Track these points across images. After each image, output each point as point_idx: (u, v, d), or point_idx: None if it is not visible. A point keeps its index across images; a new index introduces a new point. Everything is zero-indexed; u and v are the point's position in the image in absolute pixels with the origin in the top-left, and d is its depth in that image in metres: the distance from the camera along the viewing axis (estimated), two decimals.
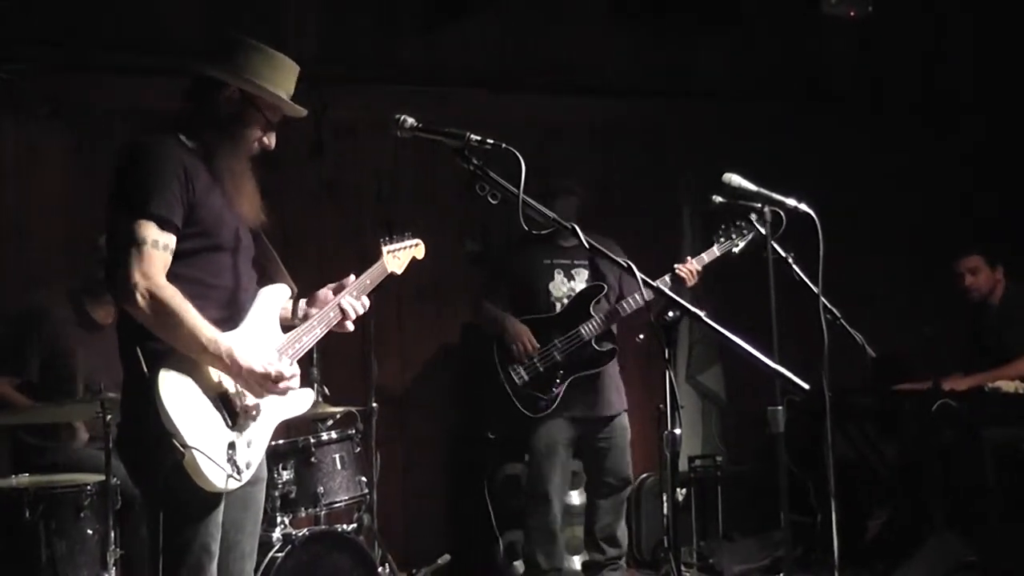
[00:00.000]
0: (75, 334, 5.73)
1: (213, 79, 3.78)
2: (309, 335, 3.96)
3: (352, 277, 4.12)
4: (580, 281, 6.35)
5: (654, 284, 3.52)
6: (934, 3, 8.44)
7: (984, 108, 8.73)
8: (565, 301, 6.31)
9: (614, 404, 6.35)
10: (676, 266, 6.02)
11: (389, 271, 4.40)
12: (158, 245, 3.51)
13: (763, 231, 5.87)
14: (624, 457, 6.38)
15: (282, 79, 3.83)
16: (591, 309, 6.24)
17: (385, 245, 4.42)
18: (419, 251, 4.60)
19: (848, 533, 6.28)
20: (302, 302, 4.05)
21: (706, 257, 6.10)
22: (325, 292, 4.10)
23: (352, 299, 4.07)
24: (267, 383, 3.62)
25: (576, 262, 6.40)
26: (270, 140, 3.89)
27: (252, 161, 3.87)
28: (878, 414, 7.07)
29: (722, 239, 6.10)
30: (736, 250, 6.08)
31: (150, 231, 3.51)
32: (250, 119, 3.81)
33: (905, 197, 8.70)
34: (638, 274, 3.43)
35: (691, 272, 6.02)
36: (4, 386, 5.65)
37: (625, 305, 6.16)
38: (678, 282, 5.96)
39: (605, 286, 6.31)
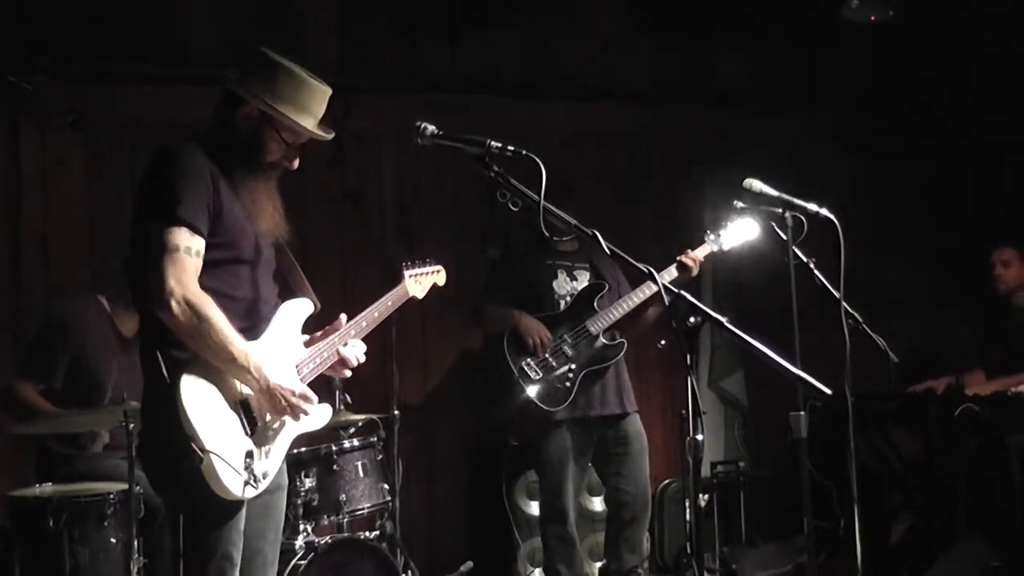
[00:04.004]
0: (101, 343, 5.74)
1: (234, 95, 3.79)
2: (329, 351, 3.99)
3: (343, 317, 4.09)
4: (582, 281, 6.35)
5: (676, 291, 3.53)
6: (953, 9, 8.41)
7: (1004, 111, 8.70)
8: (568, 299, 6.30)
9: (622, 403, 6.29)
10: (680, 258, 6.05)
11: (410, 295, 4.42)
12: (191, 252, 3.53)
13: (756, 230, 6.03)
14: (641, 464, 6.30)
15: (307, 102, 3.80)
16: (595, 304, 6.24)
17: (407, 269, 4.44)
18: (440, 277, 4.62)
19: (871, 539, 6.25)
20: (304, 338, 4.04)
21: (701, 251, 6.16)
22: (323, 335, 4.08)
23: (353, 343, 4.07)
24: (290, 402, 3.65)
25: (577, 264, 6.41)
26: (292, 162, 3.88)
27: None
28: (901, 419, 7.04)
29: (711, 236, 6.21)
30: (727, 247, 6.20)
31: (182, 237, 3.52)
32: (268, 139, 3.80)
33: (924, 201, 8.68)
34: (659, 280, 3.43)
35: (696, 260, 6.09)
36: (28, 390, 5.67)
37: (637, 296, 6.16)
38: (684, 270, 6.03)
39: (607, 284, 6.32)
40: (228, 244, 3.68)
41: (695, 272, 6.10)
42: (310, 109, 3.83)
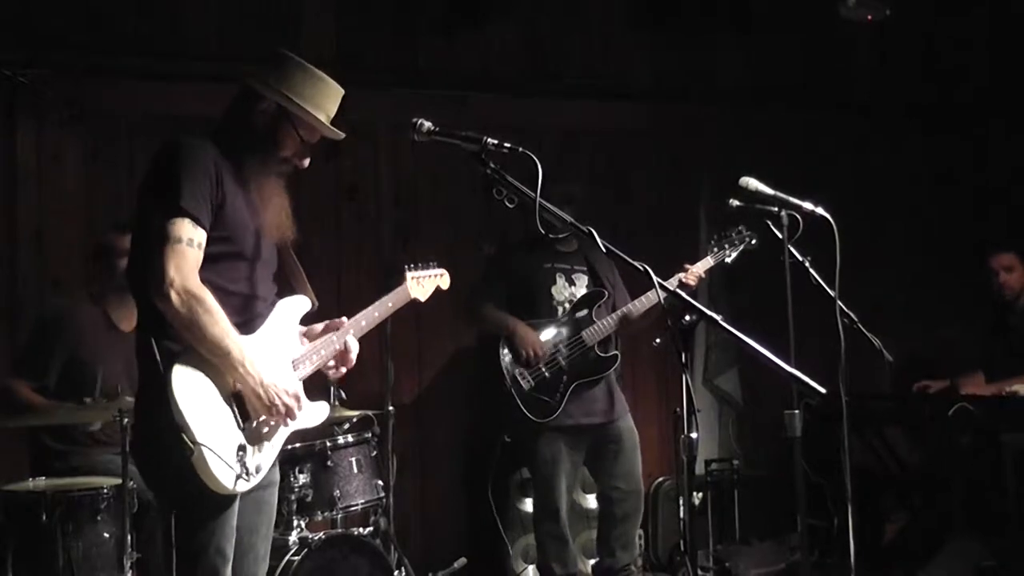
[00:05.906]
0: (97, 339, 5.71)
1: (252, 90, 3.80)
2: (328, 349, 3.97)
3: (344, 319, 4.07)
4: (581, 286, 6.35)
5: (671, 288, 3.53)
6: (952, 9, 8.42)
7: (1002, 111, 8.70)
8: (567, 306, 6.29)
9: (613, 409, 6.29)
10: (681, 276, 6.07)
11: (412, 297, 4.40)
12: (192, 243, 3.53)
13: (754, 242, 6.07)
14: (634, 462, 6.30)
15: (323, 101, 3.84)
16: (592, 314, 6.23)
17: (409, 271, 4.42)
18: (444, 281, 4.61)
19: (865, 537, 6.26)
20: (302, 329, 4.03)
21: (701, 266, 6.18)
22: (320, 327, 4.06)
23: (350, 343, 4.03)
24: (282, 402, 3.64)
25: (576, 267, 6.38)
26: (303, 161, 3.91)
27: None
28: (896, 418, 7.04)
29: (715, 249, 6.28)
30: (728, 260, 6.27)
31: (185, 228, 3.52)
32: (283, 135, 3.83)
33: (922, 201, 8.69)
34: (655, 278, 3.43)
35: (697, 278, 6.12)
36: (24, 389, 5.65)
37: (635, 306, 6.16)
38: (684, 287, 6.01)
39: (606, 291, 6.31)
40: (228, 238, 3.68)
41: (695, 287, 6.13)
42: (324, 107, 3.87)
